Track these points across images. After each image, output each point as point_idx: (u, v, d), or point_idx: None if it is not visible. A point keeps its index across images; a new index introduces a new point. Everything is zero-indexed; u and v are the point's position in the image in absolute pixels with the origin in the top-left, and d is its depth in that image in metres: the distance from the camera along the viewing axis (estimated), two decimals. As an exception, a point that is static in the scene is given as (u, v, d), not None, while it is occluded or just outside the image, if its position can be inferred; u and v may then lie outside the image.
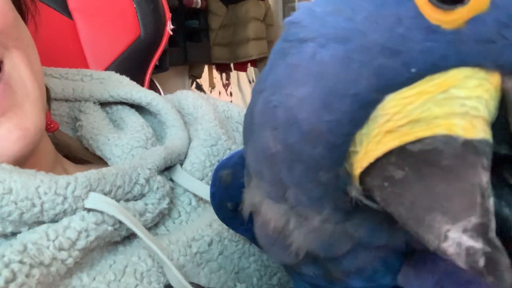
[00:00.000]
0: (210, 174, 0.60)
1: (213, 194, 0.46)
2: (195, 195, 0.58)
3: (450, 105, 0.21)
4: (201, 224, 0.52)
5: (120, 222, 0.44)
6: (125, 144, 0.58)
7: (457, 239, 0.20)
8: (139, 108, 0.67)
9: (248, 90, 4.86)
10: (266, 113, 0.28)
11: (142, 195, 0.50)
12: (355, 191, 0.26)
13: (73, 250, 0.41)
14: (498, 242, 0.20)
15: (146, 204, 0.50)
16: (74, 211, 0.43)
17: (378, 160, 0.24)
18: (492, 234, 0.20)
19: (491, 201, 0.20)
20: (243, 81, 4.87)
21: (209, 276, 0.49)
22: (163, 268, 0.44)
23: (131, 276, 0.43)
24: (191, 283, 0.43)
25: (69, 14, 0.91)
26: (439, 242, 0.21)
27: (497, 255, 0.20)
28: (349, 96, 0.24)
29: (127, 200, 0.48)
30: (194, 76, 4.48)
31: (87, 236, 0.42)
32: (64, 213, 0.43)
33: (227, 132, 0.67)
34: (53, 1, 0.89)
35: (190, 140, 0.64)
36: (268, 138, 0.28)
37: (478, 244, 0.20)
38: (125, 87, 0.66)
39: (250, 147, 0.32)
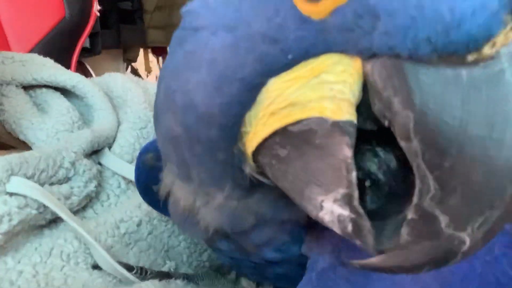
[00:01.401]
0: None
1: (137, 178, 0.48)
2: (124, 178, 0.58)
3: (321, 89, 0.24)
4: (130, 206, 0.53)
5: (45, 206, 0.44)
6: (50, 128, 0.56)
7: (330, 208, 0.23)
8: (65, 92, 0.65)
9: (185, 74, 4.82)
10: (166, 98, 0.30)
11: (67, 179, 0.50)
12: (249, 169, 0.28)
13: None
14: (361, 210, 0.23)
15: (71, 188, 0.49)
16: None
17: (266, 140, 0.26)
18: (356, 202, 0.23)
19: (354, 174, 0.23)
20: (180, 65, 4.81)
21: (138, 255, 0.50)
22: (90, 250, 0.45)
23: (58, 257, 0.43)
24: (119, 263, 0.44)
25: (-12, -7, 0.86)
26: (317, 212, 0.24)
27: (361, 221, 0.23)
28: (237, 80, 0.26)
29: (52, 184, 0.48)
30: (129, 59, 4.36)
31: (10, 220, 0.42)
32: None
33: None
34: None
35: (119, 123, 0.64)
36: (170, 121, 0.30)
37: (345, 212, 0.23)
38: (49, 69, 0.65)
39: (158, 132, 0.34)
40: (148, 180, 0.46)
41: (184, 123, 0.28)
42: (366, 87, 0.23)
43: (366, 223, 0.23)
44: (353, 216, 0.23)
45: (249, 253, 0.36)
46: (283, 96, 0.24)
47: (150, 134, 0.63)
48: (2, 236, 0.41)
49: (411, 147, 0.21)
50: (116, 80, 0.71)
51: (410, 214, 0.22)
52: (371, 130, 0.24)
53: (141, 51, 4.72)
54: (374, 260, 0.23)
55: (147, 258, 0.50)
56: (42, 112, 0.61)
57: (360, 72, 0.23)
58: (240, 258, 0.39)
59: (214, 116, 0.27)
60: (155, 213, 0.54)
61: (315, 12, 0.24)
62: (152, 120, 0.64)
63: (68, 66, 0.86)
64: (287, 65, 0.24)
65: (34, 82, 0.63)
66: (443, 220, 0.21)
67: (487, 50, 0.20)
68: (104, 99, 0.65)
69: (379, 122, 0.23)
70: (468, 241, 0.21)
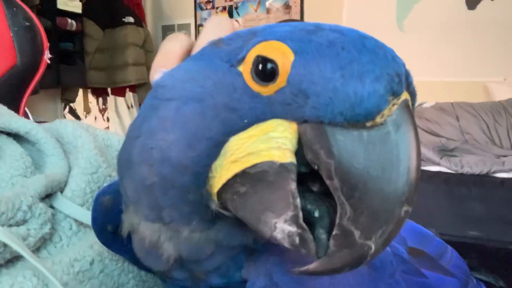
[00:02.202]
0: (91, 200, 0.63)
1: (94, 218, 0.52)
2: (76, 220, 0.61)
3: (270, 142, 0.33)
4: (82, 246, 0.56)
5: (5, 246, 0.47)
6: (5, 173, 0.59)
7: (281, 227, 0.31)
8: (17, 137, 0.68)
9: (126, 115, 4.77)
10: (143, 153, 0.37)
11: (24, 221, 0.53)
12: (214, 205, 0.36)
13: None
14: (305, 226, 0.31)
15: (28, 229, 0.52)
16: None
17: (228, 181, 0.34)
18: (301, 221, 0.31)
19: (298, 200, 0.31)
20: (121, 107, 4.76)
21: None
22: (48, 286, 0.48)
23: None
24: (75, 298, 0.48)
25: None
26: (271, 232, 0.31)
27: (305, 234, 0.31)
28: (205, 139, 0.34)
29: (10, 226, 0.51)
30: (67, 100, 4.29)
31: None
32: None
33: (107, 160, 0.71)
34: None
35: (70, 169, 0.67)
36: (145, 172, 0.37)
37: (293, 228, 0.31)
38: (3, 116, 0.67)
39: (128, 181, 0.40)
40: (104, 221, 0.50)
41: (160, 174, 0.36)
42: (300, 143, 0.32)
43: (310, 236, 0.31)
44: (299, 231, 0.31)
45: (198, 280, 0.43)
46: (241, 148, 0.33)
47: (100, 179, 0.67)
48: None
49: (333, 184, 0.30)
50: (67, 126, 0.74)
51: (334, 231, 0.31)
52: (304, 172, 0.33)
53: (80, 91, 4.66)
54: (311, 266, 0.31)
55: (99, 295, 0.54)
56: (-4, 158, 0.63)
57: (296, 131, 0.32)
58: (189, 286, 0.45)
59: (187, 167, 0.34)
60: (106, 253, 0.58)
61: (264, 91, 0.33)
62: (102, 165, 0.68)
63: (17, 111, 0.88)
64: (244, 127, 0.33)
65: None
66: (356, 233, 0.30)
67: (378, 119, 0.30)
68: (55, 145, 0.68)
69: (310, 167, 0.32)
70: (373, 246, 0.30)
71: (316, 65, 0.31)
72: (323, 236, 0.32)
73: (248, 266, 0.42)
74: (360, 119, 0.30)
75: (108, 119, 4.78)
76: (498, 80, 3.71)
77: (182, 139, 0.34)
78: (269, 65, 0.33)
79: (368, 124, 0.30)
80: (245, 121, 0.33)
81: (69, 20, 3.95)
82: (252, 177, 0.33)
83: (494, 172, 2.78)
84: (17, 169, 0.60)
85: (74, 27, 4.02)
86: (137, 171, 0.38)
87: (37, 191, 0.56)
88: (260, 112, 0.33)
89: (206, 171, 0.34)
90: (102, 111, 4.68)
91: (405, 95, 0.31)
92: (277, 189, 0.32)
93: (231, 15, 4.73)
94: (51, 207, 0.61)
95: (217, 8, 4.84)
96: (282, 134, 0.32)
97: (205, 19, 4.86)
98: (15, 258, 0.51)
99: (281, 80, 0.32)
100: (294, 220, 0.31)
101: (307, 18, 4.43)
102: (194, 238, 0.39)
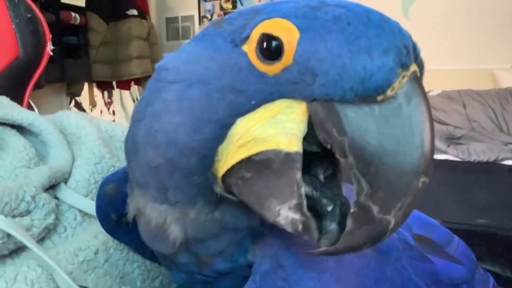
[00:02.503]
0: (95, 191, 0.63)
1: (98, 207, 0.52)
2: (80, 211, 0.62)
3: (277, 127, 0.32)
4: (87, 236, 0.57)
5: (8, 236, 0.47)
6: (8, 164, 0.59)
7: (285, 214, 0.31)
8: (20, 128, 0.68)
9: (132, 109, 4.77)
10: (148, 136, 0.37)
11: (28, 212, 0.53)
12: (219, 188, 0.36)
13: None
14: (308, 213, 0.31)
15: (32, 220, 0.53)
16: None
17: (234, 166, 0.34)
18: (305, 209, 0.31)
19: (303, 189, 0.31)
20: (126, 100, 4.77)
21: (96, 281, 0.54)
22: (52, 275, 0.48)
23: (22, 282, 0.46)
24: (80, 286, 0.48)
25: None
26: (275, 217, 0.32)
27: (309, 222, 0.31)
28: (212, 122, 0.33)
29: (14, 216, 0.51)
30: (73, 94, 4.30)
31: None
32: None
33: (110, 150, 0.71)
34: None
35: (73, 159, 0.67)
36: (151, 154, 0.37)
37: (297, 216, 0.31)
38: (5, 108, 0.67)
39: (134, 164, 0.40)
40: (108, 209, 0.50)
41: (166, 156, 0.35)
42: (311, 123, 0.32)
43: (313, 223, 0.32)
44: (303, 218, 0.31)
45: (203, 264, 0.43)
46: (249, 132, 0.33)
47: (104, 169, 0.67)
48: None
49: (348, 161, 0.30)
50: (70, 117, 0.74)
51: (352, 208, 0.31)
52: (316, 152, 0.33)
53: (86, 85, 4.66)
54: (330, 246, 0.32)
55: (104, 284, 0.54)
56: (0, 149, 0.64)
57: (306, 112, 0.32)
58: (194, 271, 0.45)
59: (194, 150, 0.34)
60: (111, 242, 0.58)
61: (270, 70, 0.33)
62: (106, 156, 0.68)
63: (20, 103, 0.88)
64: (251, 108, 0.33)
65: None
66: (375, 209, 0.30)
67: (389, 92, 0.29)
68: (59, 137, 0.68)
69: (322, 146, 0.32)
70: (393, 221, 0.30)
71: (322, 41, 0.31)
72: (332, 226, 0.32)
73: (253, 249, 0.42)
74: (370, 93, 0.29)
75: (114, 113, 4.79)
76: (505, 67, 3.67)
77: (188, 121, 0.34)
78: (274, 43, 0.32)
79: (379, 98, 0.29)
80: (253, 102, 0.33)
81: (73, 14, 3.95)
82: (257, 164, 0.33)
83: (501, 160, 2.76)
84: (20, 161, 0.60)
85: (78, 21, 4.02)
86: (142, 154, 0.38)
87: (41, 181, 0.56)
88: (268, 93, 0.32)
89: (212, 154, 0.34)
90: (108, 104, 4.70)
91: (414, 67, 0.31)
92: (282, 178, 0.32)
93: (235, 6, 4.71)
94: (55, 198, 0.61)
95: (220, -1, 4.82)
96: (290, 117, 0.32)
97: (209, 10, 4.84)
98: (20, 249, 0.51)
99: (287, 58, 0.32)
100: (298, 208, 0.31)
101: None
102: (200, 220, 0.39)
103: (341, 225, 0.32)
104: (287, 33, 0.32)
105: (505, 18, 3.69)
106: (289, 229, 0.31)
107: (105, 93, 4.64)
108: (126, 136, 0.41)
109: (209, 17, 4.83)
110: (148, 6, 4.80)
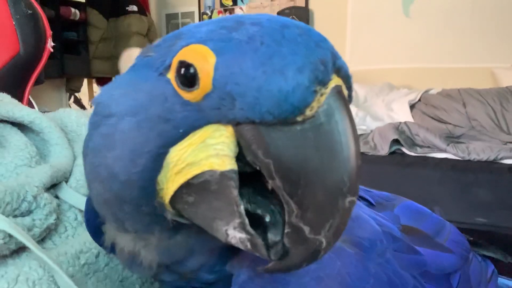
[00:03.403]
0: None
1: (87, 220, 0.52)
2: (81, 211, 0.61)
3: (208, 150, 0.32)
4: (88, 237, 0.56)
5: (10, 236, 0.47)
6: (9, 163, 0.59)
7: (232, 234, 0.31)
8: (21, 126, 0.68)
9: (130, 105, 4.76)
10: (92, 171, 0.37)
11: (29, 212, 0.53)
12: (170, 214, 0.36)
13: None
14: (252, 231, 0.31)
15: (33, 220, 0.52)
16: None
17: (176, 192, 0.34)
18: (248, 227, 0.31)
19: (242, 208, 0.31)
20: (125, 96, 4.74)
21: (96, 284, 0.53)
22: (54, 277, 0.47)
23: (24, 283, 0.45)
24: (81, 290, 0.47)
25: None
26: (225, 238, 0.31)
27: (254, 239, 0.31)
28: (145, 153, 0.33)
29: (15, 216, 0.50)
30: (72, 89, 4.29)
31: None
32: None
33: None
34: None
35: (74, 158, 0.67)
36: (99, 189, 0.37)
37: (242, 235, 0.31)
38: (6, 105, 0.67)
39: (92, 196, 0.40)
40: (97, 223, 0.50)
41: (111, 190, 0.35)
42: (239, 143, 0.31)
43: (258, 240, 0.31)
44: (248, 237, 0.31)
45: (189, 279, 0.43)
46: (182, 159, 0.32)
47: None
48: None
49: (275, 183, 0.30)
50: (70, 115, 0.74)
51: (286, 229, 0.30)
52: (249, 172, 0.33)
53: (85, 81, 4.65)
54: (272, 265, 0.32)
55: (104, 287, 0.53)
56: (0, 147, 0.63)
57: (233, 134, 0.31)
58: (182, 285, 0.45)
59: (133, 182, 0.34)
60: (111, 245, 0.57)
61: (191, 98, 0.32)
62: None
63: (20, 100, 0.87)
64: (181, 137, 0.32)
65: None
66: (306, 229, 0.30)
67: (308, 112, 0.29)
68: (60, 135, 0.67)
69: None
70: (324, 241, 0.30)
71: (237, 64, 0.30)
72: (275, 238, 0.32)
73: (232, 261, 0.42)
74: (288, 115, 0.29)
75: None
76: (505, 66, 3.67)
77: (124, 154, 0.34)
78: (189, 70, 0.32)
79: (299, 118, 0.29)
80: (181, 130, 0.32)
81: (73, 10, 3.94)
82: (197, 187, 0.32)
83: (501, 159, 2.76)
84: (21, 159, 0.60)
85: (77, 17, 4.00)
86: (92, 188, 0.38)
87: (42, 181, 0.56)
88: (194, 120, 0.32)
89: (152, 185, 0.34)
90: (107, 100, 4.69)
91: (335, 81, 0.30)
92: (221, 197, 0.31)
93: (235, 2, 4.69)
94: (56, 197, 0.61)
95: (220, -5, 4.80)
96: (219, 140, 0.31)
97: (209, 7, 4.82)
98: (21, 249, 0.50)
99: (205, 85, 0.31)
100: (242, 227, 0.31)
101: (312, 5, 4.38)
102: (164, 245, 0.39)
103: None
104: (202, 58, 0.31)
105: (505, 16, 3.69)
106: (241, 247, 0.31)
107: (105, 89, 4.63)
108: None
109: (209, 13, 4.81)
110: (148, 2, 4.79)
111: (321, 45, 0.31)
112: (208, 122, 0.32)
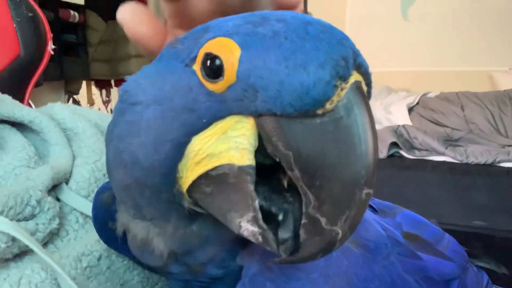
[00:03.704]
0: (95, 190, 0.62)
1: (95, 216, 0.53)
2: (82, 213, 0.61)
3: (229, 142, 0.33)
4: (90, 240, 0.56)
5: (13, 240, 0.47)
6: (7, 164, 0.59)
7: (245, 227, 0.32)
8: (21, 126, 0.67)
9: (129, 107, 4.76)
10: (116, 156, 0.38)
11: (33, 216, 0.53)
12: (187, 203, 0.37)
13: None
14: (264, 226, 0.32)
15: (37, 224, 0.52)
16: None
17: (195, 182, 0.35)
18: (261, 222, 0.32)
19: (257, 202, 0.32)
20: (124, 98, 4.73)
21: (97, 287, 0.53)
22: (56, 280, 0.47)
23: (26, 286, 0.46)
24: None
25: None
26: (238, 230, 0.32)
27: (266, 233, 0.32)
28: (168, 141, 0.34)
29: (18, 221, 0.50)
30: (71, 92, 4.28)
31: None
32: None
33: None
34: None
35: (74, 158, 0.66)
36: (121, 174, 0.38)
37: (255, 228, 0.32)
38: (7, 106, 0.67)
39: (112, 182, 0.42)
40: (105, 218, 0.50)
41: (133, 175, 0.37)
42: (260, 136, 0.32)
43: (270, 235, 0.32)
44: (260, 230, 0.32)
45: (196, 272, 0.44)
46: (203, 149, 0.33)
47: (104, 166, 0.66)
48: None
49: (294, 174, 0.30)
50: (63, 111, 0.72)
51: (303, 219, 0.31)
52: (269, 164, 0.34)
53: (84, 83, 4.64)
54: (286, 257, 0.32)
55: (105, 290, 0.54)
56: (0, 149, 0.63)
57: (254, 127, 0.32)
58: (189, 279, 0.46)
59: (155, 169, 0.35)
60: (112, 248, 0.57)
61: (215, 89, 0.33)
62: (104, 150, 0.67)
63: (21, 102, 0.87)
64: (203, 126, 0.33)
65: None
66: (322, 220, 0.31)
67: (328, 106, 0.30)
68: (59, 135, 0.67)
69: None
70: (340, 232, 0.31)
71: (261, 58, 0.31)
72: (285, 236, 0.33)
73: (242, 253, 0.43)
74: (309, 108, 0.30)
75: (111, 111, 4.78)
76: (503, 70, 3.69)
77: (148, 142, 0.35)
78: (215, 62, 0.33)
79: (319, 111, 0.30)
80: (204, 120, 0.33)
81: (72, 12, 3.93)
82: (215, 179, 0.33)
83: (499, 162, 2.77)
84: (20, 160, 0.60)
85: (77, 19, 4.00)
86: (115, 174, 0.39)
87: (45, 184, 0.56)
88: (217, 110, 0.33)
89: (173, 172, 0.35)
90: (106, 103, 4.68)
91: (354, 77, 0.31)
92: (238, 191, 0.32)
93: (233, 5, 4.68)
94: (57, 199, 0.61)
95: (219, -2, 4.79)
96: (240, 132, 0.32)
97: (208, 9, 4.81)
98: (23, 252, 0.50)
99: (229, 76, 0.32)
100: (255, 221, 0.32)
101: (311, 6, 4.39)
102: (179, 234, 0.40)
103: (297, 234, 0.33)
104: (228, 51, 0.32)
105: (503, 20, 3.71)
106: (253, 240, 0.32)
107: (103, 91, 4.62)
108: (105, 157, 0.42)
109: (208, 16, 4.81)
110: (147, 5, 4.79)
111: (342, 42, 0.32)
112: (230, 112, 0.33)
